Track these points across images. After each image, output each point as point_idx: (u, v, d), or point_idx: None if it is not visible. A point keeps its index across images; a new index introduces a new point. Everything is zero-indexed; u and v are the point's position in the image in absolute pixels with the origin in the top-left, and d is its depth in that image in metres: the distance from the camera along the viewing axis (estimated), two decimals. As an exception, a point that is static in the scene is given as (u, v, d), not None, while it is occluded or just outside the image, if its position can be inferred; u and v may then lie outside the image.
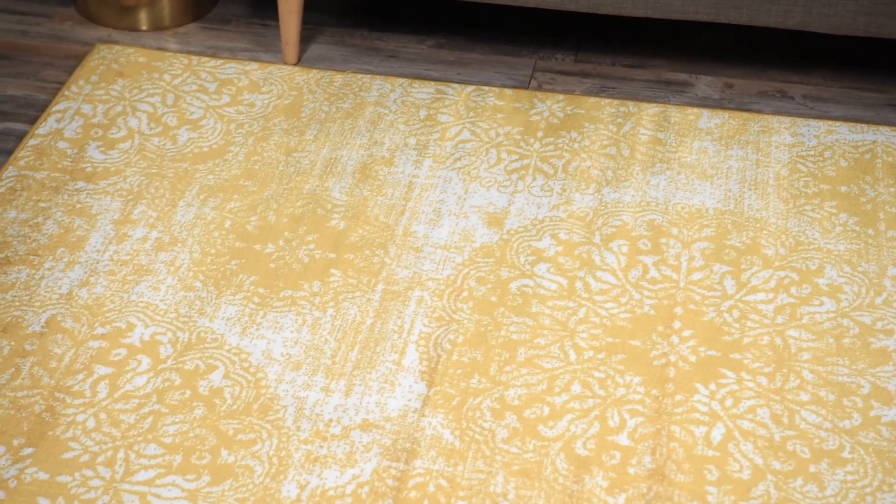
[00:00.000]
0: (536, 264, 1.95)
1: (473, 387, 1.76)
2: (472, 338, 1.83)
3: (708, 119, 2.25)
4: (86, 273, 1.93)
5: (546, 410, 1.72)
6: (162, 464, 1.65)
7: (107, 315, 1.86)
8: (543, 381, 1.77)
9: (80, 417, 1.71)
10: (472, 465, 1.65)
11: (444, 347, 1.82)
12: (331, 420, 1.71)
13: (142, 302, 1.89)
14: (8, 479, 1.63)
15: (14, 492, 1.61)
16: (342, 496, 1.62)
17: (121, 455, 1.66)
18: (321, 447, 1.68)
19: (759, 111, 2.31)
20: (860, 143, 2.20)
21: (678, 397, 1.74)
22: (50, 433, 1.69)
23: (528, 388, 1.76)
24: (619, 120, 2.25)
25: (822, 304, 1.89)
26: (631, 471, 1.65)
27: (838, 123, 2.25)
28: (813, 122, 2.25)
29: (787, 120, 2.25)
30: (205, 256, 1.97)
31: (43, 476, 1.63)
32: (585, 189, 2.10)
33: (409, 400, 1.74)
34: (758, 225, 2.03)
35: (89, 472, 1.64)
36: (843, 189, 2.10)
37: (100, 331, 1.84)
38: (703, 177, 2.12)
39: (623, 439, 1.69)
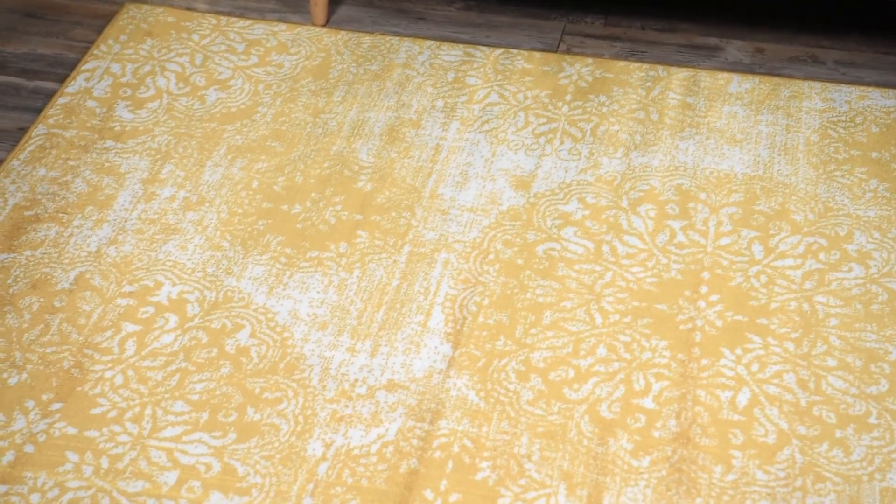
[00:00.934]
0: (563, 228, 1.95)
1: (499, 349, 1.76)
2: (498, 300, 1.83)
3: (738, 84, 2.24)
4: (114, 231, 1.94)
5: (571, 373, 1.73)
6: (189, 421, 1.66)
7: (135, 273, 1.87)
8: (569, 344, 1.77)
9: (108, 374, 1.72)
10: (496, 427, 1.66)
11: (470, 309, 1.82)
12: (356, 380, 1.72)
13: (169, 261, 1.90)
14: (37, 433, 1.65)
15: (43, 446, 1.63)
16: (367, 455, 1.62)
17: (148, 411, 1.67)
18: (347, 407, 1.68)
19: (789, 76, 2.29)
20: (892, 109, 2.18)
21: (704, 362, 1.74)
22: (78, 389, 1.70)
23: (554, 350, 1.76)
24: (649, 84, 2.24)
25: (850, 270, 1.88)
26: (656, 434, 1.65)
27: (870, 89, 2.23)
28: (844, 88, 2.23)
29: (818, 85, 2.23)
30: (232, 216, 1.97)
31: (71, 431, 1.65)
32: (613, 153, 2.09)
33: (435, 361, 1.74)
34: (787, 190, 2.02)
35: (117, 428, 1.65)
36: (874, 155, 2.09)
37: (128, 289, 1.85)
38: (732, 142, 2.11)
39: (648, 403, 1.69)
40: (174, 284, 1.86)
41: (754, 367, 1.73)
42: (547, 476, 1.60)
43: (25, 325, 1.79)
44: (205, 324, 1.80)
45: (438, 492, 1.58)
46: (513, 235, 1.94)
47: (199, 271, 1.88)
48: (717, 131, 2.13)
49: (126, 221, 1.96)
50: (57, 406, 1.68)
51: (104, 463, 1.61)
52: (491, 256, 1.90)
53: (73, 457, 1.62)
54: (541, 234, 1.94)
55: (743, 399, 1.69)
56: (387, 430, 1.65)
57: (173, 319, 1.80)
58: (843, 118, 2.16)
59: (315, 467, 1.61)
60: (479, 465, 1.61)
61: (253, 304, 1.83)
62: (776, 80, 2.25)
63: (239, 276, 1.87)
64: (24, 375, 1.72)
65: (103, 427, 1.65)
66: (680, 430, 1.65)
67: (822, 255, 1.90)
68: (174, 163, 2.07)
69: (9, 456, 1.62)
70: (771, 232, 1.94)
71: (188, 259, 1.90)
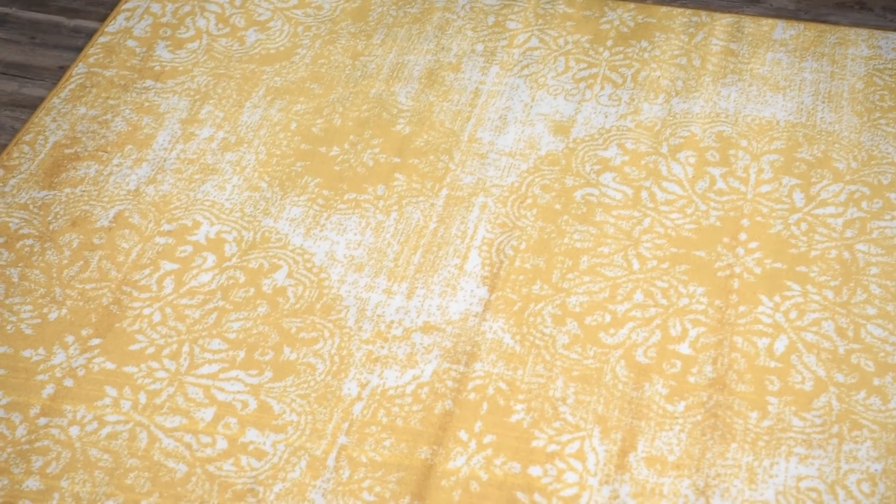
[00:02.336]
0: (602, 173, 1.93)
1: (535, 293, 1.76)
2: (535, 245, 1.82)
3: (783, 30, 2.20)
4: (153, 170, 1.95)
5: (608, 318, 1.72)
6: (226, 359, 1.68)
7: (173, 212, 1.88)
8: (606, 290, 1.76)
9: (146, 311, 1.74)
10: (531, 370, 1.66)
11: (507, 253, 1.81)
12: (392, 322, 1.72)
13: (207, 200, 1.90)
14: (76, 367, 1.66)
15: (82, 380, 1.65)
16: (402, 395, 1.63)
17: (185, 349, 1.69)
18: (382, 348, 1.69)
19: (835, 23, 2.25)
20: (940, 58, 2.14)
21: (741, 308, 1.73)
22: (117, 325, 1.72)
23: (590, 295, 1.75)
24: (691, 30, 2.21)
25: (893, 218, 1.85)
26: (691, 379, 1.64)
27: (918, 37, 2.19)
28: (891, 35, 2.19)
29: (864, 32, 2.19)
30: (270, 157, 1.97)
31: (110, 366, 1.67)
32: (654, 99, 2.07)
33: (471, 304, 1.74)
34: (830, 138, 1.99)
35: (155, 364, 1.67)
36: (920, 104, 2.05)
37: (166, 227, 1.86)
38: (775, 89, 2.08)
39: (684, 348, 1.68)
40: (212, 224, 1.86)
41: (792, 315, 1.72)
42: (581, 419, 1.60)
43: (65, 262, 1.80)
44: (242, 264, 1.80)
45: (473, 433, 1.59)
46: (551, 180, 1.93)
47: (237, 211, 1.89)
48: (760, 78, 2.10)
49: (165, 161, 1.97)
50: (96, 342, 1.70)
51: (142, 398, 1.63)
52: (529, 201, 1.89)
53: (111, 391, 1.63)
54: (579, 180, 1.93)
55: (780, 346, 1.68)
56: (422, 372, 1.66)
57: (211, 259, 1.81)
58: (890, 65, 2.12)
59: (350, 407, 1.62)
60: (513, 408, 1.61)
61: (290, 244, 1.83)
62: (821, 26, 2.21)
63: (276, 216, 1.88)
64: (64, 311, 1.73)
65: (141, 363, 1.67)
66: (716, 375, 1.65)
67: (864, 204, 1.88)
68: (213, 103, 2.07)
69: (49, 389, 1.64)
70: (812, 180, 1.92)
71: (226, 199, 1.90)
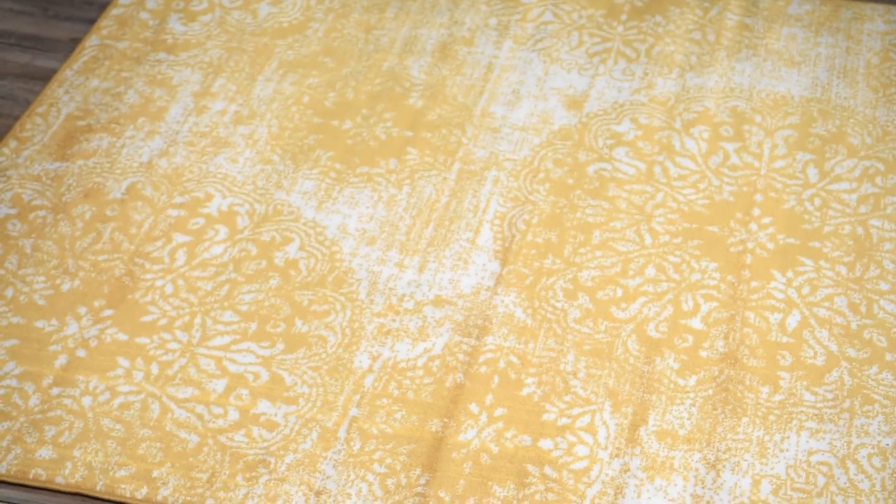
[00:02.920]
0: (615, 148, 1.93)
1: (547, 267, 1.76)
2: (548, 219, 1.82)
3: (798, 5, 2.19)
4: (165, 143, 1.95)
5: (619, 292, 1.72)
6: (237, 330, 1.68)
7: (186, 185, 1.88)
8: (617, 264, 1.76)
9: (158, 283, 1.74)
10: (543, 343, 1.66)
11: (519, 227, 1.81)
12: (404, 295, 1.72)
13: (220, 173, 1.90)
14: (89, 338, 1.67)
15: (94, 351, 1.65)
16: (413, 368, 1.63)
17: (198, 320, 1.69)
18: (394, 321, 1.69)
19: (851, -1, 2.24)
20: (956, 34, 2.13)
21: (754, 284, 1.72)
22: (129, 297, 1.72)
23: (602, 270, 1.75)
24: (706, 4, 2.20)
25: (907, 195, 1.85)
26: (703, 354, 1.64)
27: (934, 13, 2.18)
28: (908, 11, 2.18)
29: (881, 7, 2.18)
30: (283, 131, 1.97)
31: (122, 337, 1.67)
32: (668, 74, 2.06)
33: (482, 278, 1.74)
34: (845, 113, 1.98)
35: (167, 336, 1.67)
36: (936, 80, 2.04)
37: (178, 200, 1.86)
38: (790, 64, 2.07)
39: (696, 323, 1.68)
40: (224, 197, 1.87)
41: (805, 290, 1.71)
42: (592, 393, 1.60)
43: (78, 234, 1.81)
44: (255, 236, 1.81)
45: (484, 406, 1.59)
46: (564, 155, 1.92)
47: (249, 184, 1.89)
48: (776, 53, 2.09)
49: (178, 133, 1.97)
50: (108, 312, 1.70)
51: (154, 369, 1.63)
52: (541, 175, 1.89)
53: (123, 362, 1.64)
54: (592, 154, 1.92)
55: (792, 322, 1.67)
56: (433, 345, 1.66)
57: (223, 231, 1.81)
58: (906, 42, 2.11)
59: (361, 379, 1.62)
60: (524, 381, 1.61)
61: (302, 217, 1.83)
62: (838, 1, 2.20)
63: (289, 189, 1.88)
64: (77, 282, 1.74)
65: (153, 334, 1.67)
66: (727, 350, 1.64)
67: (878, 179, 1.87)
68: (225, 76, 2.07)
69: (62, 360, 1.65)
70: (827, 155, 1.91)
71: (239, 172, 1.91)
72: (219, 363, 1.64)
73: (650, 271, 1.74)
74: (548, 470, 1.52)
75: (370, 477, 1.52)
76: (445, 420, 1.57)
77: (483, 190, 1.87)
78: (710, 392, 1.60)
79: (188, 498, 1.50)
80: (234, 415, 1.59)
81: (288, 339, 1.67)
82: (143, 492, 1.51)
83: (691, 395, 1.60)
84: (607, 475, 1.52)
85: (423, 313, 1.70)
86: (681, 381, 1.61)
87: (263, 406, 1.60)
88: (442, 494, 1.50)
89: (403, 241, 1.80)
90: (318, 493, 1.51)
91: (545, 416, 1.58)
